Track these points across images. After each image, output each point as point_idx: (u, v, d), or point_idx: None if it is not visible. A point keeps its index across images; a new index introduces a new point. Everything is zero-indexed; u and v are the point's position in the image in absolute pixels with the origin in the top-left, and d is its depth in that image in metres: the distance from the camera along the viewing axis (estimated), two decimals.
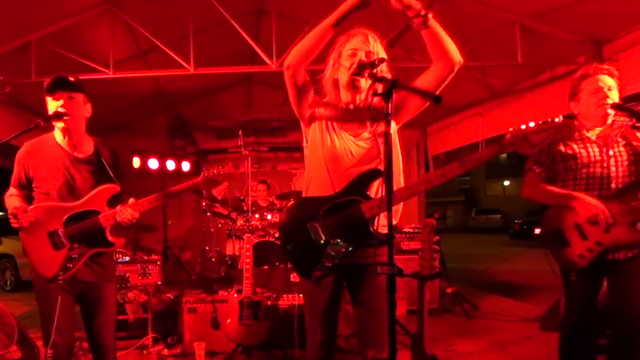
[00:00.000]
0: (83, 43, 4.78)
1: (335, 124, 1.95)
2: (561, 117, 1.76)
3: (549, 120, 1.77)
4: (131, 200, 2.23)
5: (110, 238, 2.22)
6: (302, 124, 2.02)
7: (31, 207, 2.15)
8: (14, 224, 2.08)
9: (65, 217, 2.16)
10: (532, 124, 1.75)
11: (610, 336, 2.47)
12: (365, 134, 1.93)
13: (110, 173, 2.26)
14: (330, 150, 1.91)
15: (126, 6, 4.62)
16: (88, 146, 2.29)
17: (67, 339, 2.18)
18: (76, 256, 2.16)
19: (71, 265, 2.15)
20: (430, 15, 1.72)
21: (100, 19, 4.63)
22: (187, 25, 4.66)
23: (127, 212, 2.18)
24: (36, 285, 2.21)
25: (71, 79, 2.19)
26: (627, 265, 2.25)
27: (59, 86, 2.16)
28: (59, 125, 2.18)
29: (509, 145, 1.78)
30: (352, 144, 1.91)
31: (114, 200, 2.27)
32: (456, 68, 1.82)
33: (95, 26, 4.70)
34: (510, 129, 1.79)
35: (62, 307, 2.13)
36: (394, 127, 1.93)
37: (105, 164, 2.27)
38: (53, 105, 2.17)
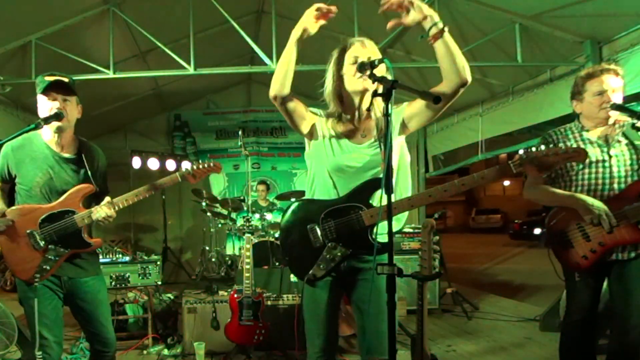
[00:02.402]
0: (83, 43, 4.79)
1: (339, 134, 1.95)
2: (572, 145, 1.74)
3: (561, 146, 1.76)
4: (107, 198, 2.22)
5: (86, 238, 2.22)
6: (304, 136, 2.03)
7: (7, 210, 2.15)
8: None
9: (40, 218, 2.15)
10: (542, 147, 1.73)
11: (610, 336, 2.46)
12: (370, 141, 1.92)
13: (89, 172, 2.26)
14: (335, 160, 1.92)
15: (126, 6, 4.63)
16: (74, 146, 2.30)
17: (56, 334, 2.17)
18: (52, 258, 2.15)
19: (48, 267, 2.14)
20: (446, 28, 1.73)
21: (100, 19, 4.64)
22: (187, 26, 4.66)
23: (101, 211, 2.17)
24: (19, 286, 2.20)
25: (65, 80, 2.17)
26: (628, 266, 2.25)
27: (55, 89, 2.15)
28: (53, 125, 2.15)
29: (517, 167, 1.78)
30: (356, 153, 1.91)
31: (90, 200, 2.27)
32: (462, 89, 1.79)
33: (95, 26, 4.71)
34: (520, 151, 1.78)
35: (47, 304, 2.14)
36: (400, 138, 1.93)
37: (87, 164, 2.27)
38: (47, 104, 2.16)
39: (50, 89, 2.14)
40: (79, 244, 2.20)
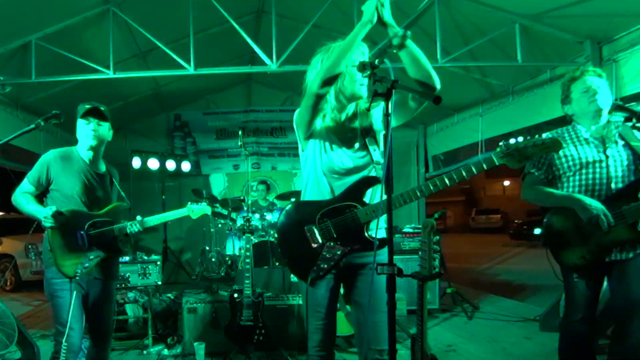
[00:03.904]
0: (83, 43, 4.79)
1: (331, 136, 1.99)
2: (549, 135, 1.80)
3: (537, 136, 1.81)
4: (138, 217, 2.58)
5: (120, 246, 2.61)
6: (299, 136, 2.05)
7: (64, 210, 2.44)
8: (49, 223, 2.36)
9: (87, 223, 2.49)
10: (520, 139, 1.78)
11: (611, 336, 2.46)
12: (358, 144, 1.97)
13: (119, 189, 2.66)
14: (327, 162, 1.96)
15: (126, 6, 4.63)
16: (102, 165, 2.69)
17: (80, 325, 2.48)
18: (92, 257, 2.49)
19: (87, 265, 2.47)
20: (408, 34, 1.78)
21: (100, 19, 4.64)
22: (187, 26, 4.66)
23: (134, 227, 2.56)
24: (52, 280, 2.47)
25: (102, 108, 2.55)
26: (627, 266, 2.25)
27: (92, 114, 2.52)
28: (88, 143, 2.52)
29: (499, 159, 1.83)
30: (346, 157, 1.95)
31: (124, 215, 2.66)
32: (431, 96, 1.82)
33: (95, 26, 4.71)
34: (501, 143, 1.84)
35: (76, 296, 2.45)
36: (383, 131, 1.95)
37: (115, 182, 2.71)
38: (84, 126, 2.52)
39: (88, 114, 2.51)
40: (115, 249, 2.59)
